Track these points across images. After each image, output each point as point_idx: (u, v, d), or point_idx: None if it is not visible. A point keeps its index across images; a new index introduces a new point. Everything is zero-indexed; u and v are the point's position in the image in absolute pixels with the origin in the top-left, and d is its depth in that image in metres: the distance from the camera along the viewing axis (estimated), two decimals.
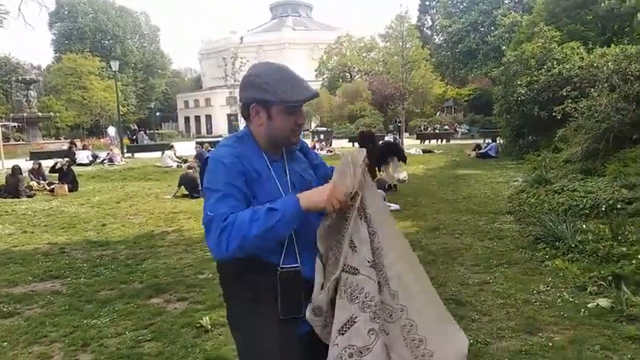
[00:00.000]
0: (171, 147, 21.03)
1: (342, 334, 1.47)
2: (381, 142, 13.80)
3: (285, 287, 1.54)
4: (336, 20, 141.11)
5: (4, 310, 4.20)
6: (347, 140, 27.32)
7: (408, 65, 24.09)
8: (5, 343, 3.55)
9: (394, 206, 8.34)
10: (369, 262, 1.52)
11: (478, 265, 5.01)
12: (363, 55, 48.24)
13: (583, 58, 14.47)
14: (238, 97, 1.75)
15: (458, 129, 34.78)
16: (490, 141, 19.51)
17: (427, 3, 56.81)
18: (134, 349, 3.39)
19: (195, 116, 65.70)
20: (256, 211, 1.41)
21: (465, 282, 4.50)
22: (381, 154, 10.90)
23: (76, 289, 4.70)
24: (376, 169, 10.69)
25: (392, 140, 16.01)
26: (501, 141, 18.78)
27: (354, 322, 1.48)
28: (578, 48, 16.06)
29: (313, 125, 41.20)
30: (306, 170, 1.74)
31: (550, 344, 3.17)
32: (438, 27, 51.48)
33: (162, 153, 20.28)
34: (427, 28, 56.71)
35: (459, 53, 46.80)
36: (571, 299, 3.91)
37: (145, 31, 64.32)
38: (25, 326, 3.86)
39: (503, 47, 33.14)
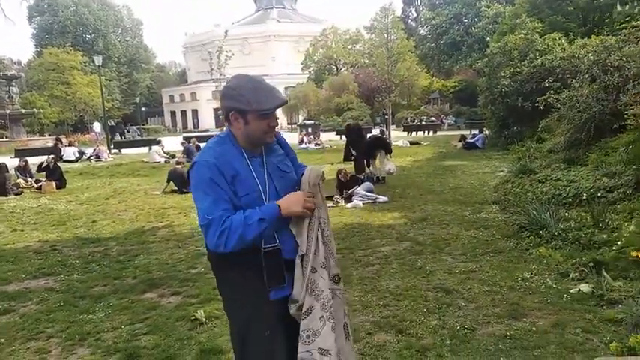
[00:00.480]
0: (158, 142, 20.93)
1: (304, 319, 1.83)
2: (369, 135, 13.91)
3: (268, 262, 1.81)
4: (321, 12, 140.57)
5: (0, 307, 4.24)
6: (335, 133, 27.43)
7: (393, 57, 24.15)
8: (3, 339, 3.60)
9: (383, 198, 8.47)
10: (322, 263, 1.89)
11: (465, 254, 5.15)
12: (349, 47, 48.24)
13: (564, 49, 14.69)
14: (220, 105, 1.98)
15: (444, 120, 35.09)
16: (477, 132, 19.70)
17: None
18: (130, 343, 3.46)
19: (182, 110, 65.22)
20: (248, 217, 1.72)
21: (451, 271, 4.63)
22: (369, 147, 11.01)
23: (69, 286, 4.75)
24: (364, 162, 10.81)
25: (379, 134, 16.13)
26: (486, 132, 19.02)
27: (311, 311, 1.84)
28: (559, 39, 16.30)
29: (301, 119, 41.21)
30: (282, 162, 1.97)
31: (534, 329, 3.31)
32: (422, 19, 51.64)
33: (150, 149, 20.19)
34: (412, 20, 56.87)
35: (444, 45, 47.05)
36: (554, 285, 4.06)
37: (128, 25, 63.49)
38: (22, 322, 3.90)
39: (488, 39, 33.40)
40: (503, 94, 15.03)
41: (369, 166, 10.80)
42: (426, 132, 28.54)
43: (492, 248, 5.26)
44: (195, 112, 63.29)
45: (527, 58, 15.16)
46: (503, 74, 15.16)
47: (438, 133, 28.46)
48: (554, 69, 13.40)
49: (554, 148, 10.09)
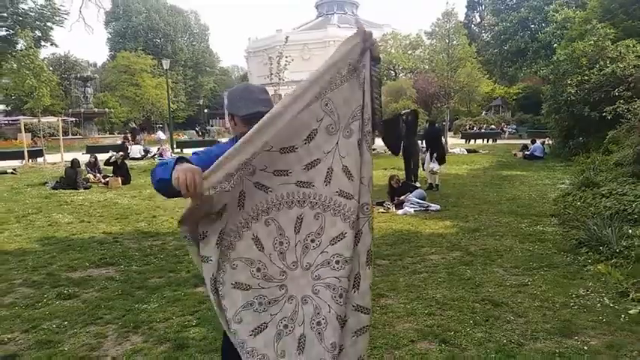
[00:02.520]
0: (217, 143, 21.65)
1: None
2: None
3: None
4: (381, 17, 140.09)
5: (65, 292, 4.56)
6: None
7: (454, 63, 23.66)
8: (66, 322, 3.88)
9: (435, 206, 8.34)
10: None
11: (517, 267, 4.99)
12: (408, 52, 47.72)
13: None
14: None
15: (505, 129, 33.91)
16: (532, 142, 18.84)
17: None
18: (180, 333, 3.63)
19: None
20: (166, 162, 1.73)
21: (502, 283, 4.50)
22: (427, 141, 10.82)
23: (128, 276, 5.03)
24: (420, 166, 10.71)
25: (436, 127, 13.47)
26: (549, 142, 18.22)
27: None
28: (634, 46, 15.37)
29: None
30: None
31: (585, 348, 3.17)
32: (486, 24, 50.26)
33: None
34: (475, 26, 55.46)
35: (508, 51, 45.49)
36: (611, 305, 3.86)
37: (195, 30, 66.05)
38: (83, 308, 4.18)
39: (555, 45, 32.00)
40: (569, 102, 14.37)
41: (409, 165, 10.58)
42: (485, 140, 27.73)
43: (547, 263, 5.06)
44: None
45: (597, 65, 14.42)
46: (569, 82, 14.50)
47: (498, 142, 27.58)
48: (626, 77, 12.67)
49: (621, 161, 9.52)
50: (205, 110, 62.24)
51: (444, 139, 20.22)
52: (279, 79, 18.15)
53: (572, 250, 5.42)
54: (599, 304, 3.88)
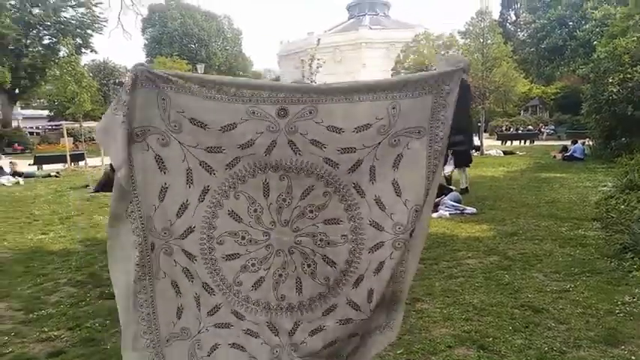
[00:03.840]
0: None
1: None
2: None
3: None
4: (414, 17, 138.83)
5: (106, 292, 4.68)
6: None
7: (488, 63, 23.23)
8: (107, 321, 4.01)
9: (470, 209, 8.20)
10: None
11: (558, 272, 4.85)
12: (441, 53, 47.14)
13: None
14: None
15: (543, 129, 33.04)
16: (572, 143, 18.23)
17: None
18: None
19: None
20: None
21: (542, 289, 4.39)
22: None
23: None
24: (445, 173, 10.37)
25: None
26: (590, 142, 17.63)
27: None
28: None
29: None
30: None
31: (633, 358, 3.05)
32: (521, 22, 49.08)
33: None
34: (510, 24, 54.23)
35: (545, 49, 44.23)
36: None
37: (228, 35, 67.09)
38: None
39: (594, 42, 30.95)
40: (611, 102, 13.88)
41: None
42: (523, 141, 27.08)
43: (589, 268, 4.89)
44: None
45: None
46: (611, 80, 14.01)
47: (536, 143, 26.89)
48: None
49: None
50: None
51: (477, 141, 19.90)
52: (312, 81, 18.22)
53: (616, 255, 5.23)
54: None
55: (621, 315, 3.72)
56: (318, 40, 27.21)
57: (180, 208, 1.92)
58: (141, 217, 1.93)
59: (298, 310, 2.01)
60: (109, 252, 2.05)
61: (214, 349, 2.04)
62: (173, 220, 1.93)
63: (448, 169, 10.13)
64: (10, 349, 3.54)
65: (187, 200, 1.91)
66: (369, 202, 1.89)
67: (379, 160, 1.83)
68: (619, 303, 3.94)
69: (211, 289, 2.01)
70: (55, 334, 3.81)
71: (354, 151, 1.83)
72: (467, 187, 10.09)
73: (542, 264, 5.15)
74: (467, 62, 1.83)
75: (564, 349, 3.22)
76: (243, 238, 1.96)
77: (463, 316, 3.83)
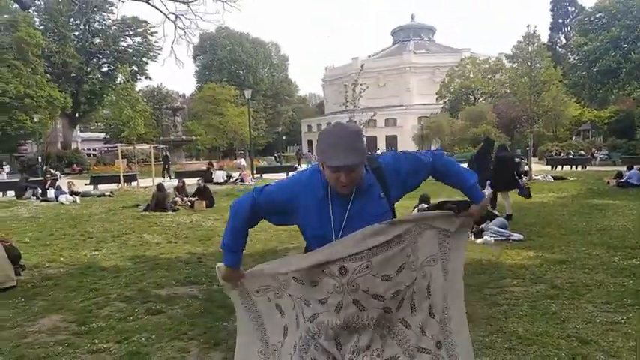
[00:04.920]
0: (295, 169, 22.26)
1: None
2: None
3: None
4: (459, 42, 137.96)
5: (153, 307, 4.89)
6: (467, 164, 26.45)
7: (537, 87, 22.73)
8: (154, 336, 4.15)
9: (517, 235, 7.97)
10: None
11: (609, 303, 4.64)
12: (488, 76, 46.57)
13: None
14: None
15: (596, 155, 31.78)
16: (627, 169, 17.41)
17: (560, 21, 53.30)
18: None
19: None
20: (229, 229, 2.22)
21: (591, 320, 4.21)
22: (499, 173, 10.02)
23: (210, 295, 5.28)
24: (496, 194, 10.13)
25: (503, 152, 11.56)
26: None
27: None
28: None
29: (433, 149, 40.61)
30: (372, 204, 2.00)
31: None
32: (572, 45, 47.78)
33: (287, 174, 21.55)
34: (560, 47, 53.01)
35: (597, 72, 42.76)
36: None
37: (275, 61, 68.98)
38: (169, 323, 4.45)
39: None
40: None
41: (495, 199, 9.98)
42: (574, 166, 26.12)
43: None
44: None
45: None
46: None
47: (588, 169, 25.85)
48: None
49: None
50: (284, 137, 64.23)
51: (525, 166, 19.35)
52: (355, 106, 18.40)
53: None
54: None
55: None
56: (362, 65, 27.52)
57: (294, 346, 2.16)
58: (268, 352, 2.29)
59: None
60: None
61: None
62: (292, 354, 2.17)
63: (485, 193, 9.90)
64: (63, 359, 3.73)
65: (296, 343, 2.15)
66: (415, 332, 2.04)
67: (416, 293, 2.07)
68: None
69: None
70: (105, 346, 3.98)
71: (399, 292, 2.02)
72: (511, 214, 9.81)
73: (591, 294, 4.94)
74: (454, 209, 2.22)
75: None
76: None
77: (506, 345, 3.73)
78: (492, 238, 7.88)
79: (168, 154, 27.65)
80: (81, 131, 55.99)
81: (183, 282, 5.88)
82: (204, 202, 13.23)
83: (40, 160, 31.50)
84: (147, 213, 12.30)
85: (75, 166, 35.85)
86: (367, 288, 1.95)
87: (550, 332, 3.96)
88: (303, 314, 2.09)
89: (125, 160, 30.02)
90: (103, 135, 51.85)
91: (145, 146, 32.00)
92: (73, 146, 45.28)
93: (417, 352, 2.02)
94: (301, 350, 2.08)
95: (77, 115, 44.79)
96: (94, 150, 51.53)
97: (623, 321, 4.14)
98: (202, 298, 5.23)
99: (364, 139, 2.02)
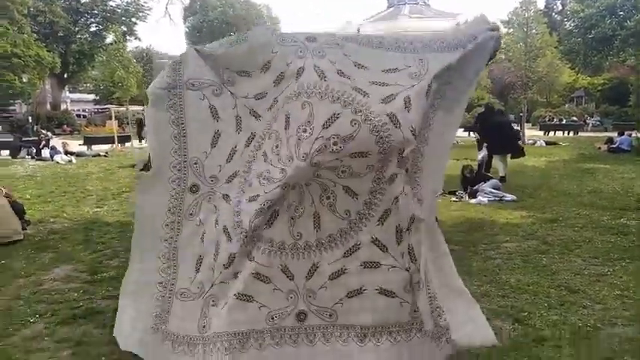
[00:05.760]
0: None
1: None
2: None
3: None
4: (455, 6, 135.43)
5: None
6: (462, 130, 26.57)
7: (532, 53, 22.65)
8: None
9: (510, 197, 8.20)
10: None
11: (597, 257, 4.90)
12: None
13: None
14: None
15: (588, 121, 32.02)
16: (618, 135, 17.64)
17: None
18: None
19: None
20: None
21: (579, 272, 4.46)
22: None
23: None
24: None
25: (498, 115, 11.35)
26: (637, 134, 17.05)
27: None
28: None
29: None
30: None
31: None
32: (568, 12, 47.25)
33: None
34: (556, 13, 52.41)
35: (593, 39, 42.49)
36: None
37: (267, 22, 67.50)
38: None
39: None
40: None
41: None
42: (566, 132, 26.38)
43: (629, 254, 4.92)
44: None
45: None
46: None
47: (580, 134, 26.14)
48: None
49: None
50: None
51: (519, 130, 19.52)
52: None
53: None
54: None
55: None
56: (358, 29, 27.12)
57: (230, 153, 2.01)
58: (184, 167, 2.04)
59: (316, 249, 1.86)
60: (139, 201, 2.15)
61: (225, 304, 1.94)
62: (223, 165, 2.01)
63: (480, 155, 10.11)
64: (81, 304, 3.92)
65: (236, 146, 2.01)
66: (404, 134, 1.79)
67: (415, 95, 1.83)
68: None
69: (229, 234, 1.94)
70: (118, 293, 4.16)
71: (386, 86, 1.85)
72: (504, 176, 10.01)
73: (580, 249, 5.20)
74: (496, 26, 1.95)
75: (598, 325, 3.32)
76: (264, 178, 1.91)
77: (500, 293, 3.97)
78: (486, 198, 8.11)
79: (143, 118, 27.19)
80: (70, 92, 54.99)
81: None
82: None
83: (30, 121, 31.07)
84: (144, 172, 12.32)
85: (65, 126, 35.39)
86: (334, 61, 1.87)
87: (541, 283, 4.20)
88: (255, 111, 1.94)
89: (116, 121, 29.74)
90: (92, 96, 50.99)
91: (138, 107, 31.65)
92: (63, 107, 44.48)
93: (396, 153, 1.84)
94: (257, 148, 1.96)
95: (66, 75, 43.88)
96: (84, 111, 50.74)
97: (609, 273, 4.40)
98: None
99: None
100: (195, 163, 2.01)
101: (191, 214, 2.06)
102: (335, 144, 1.74)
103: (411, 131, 1.79)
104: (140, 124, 25.26)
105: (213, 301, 1.95)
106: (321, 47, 1.83)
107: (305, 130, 1.76)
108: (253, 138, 1.96)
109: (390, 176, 1.82)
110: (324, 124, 1.74)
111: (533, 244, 5.47)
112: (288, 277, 1.85)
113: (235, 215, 1.93)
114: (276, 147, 1.85)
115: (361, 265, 1.80)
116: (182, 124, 1.99)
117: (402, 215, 1.84)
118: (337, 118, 1.74)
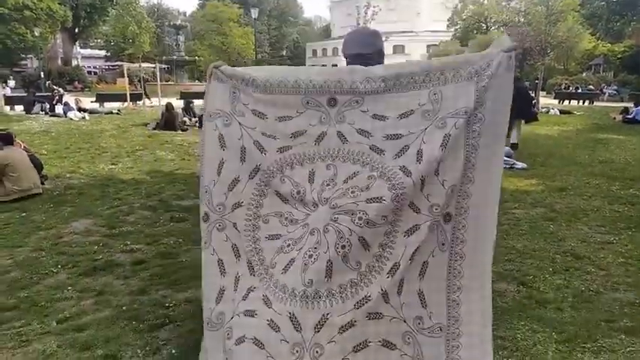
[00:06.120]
0: None
1: None
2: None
3: None
4: None
5: (177, 216, 5.22)
6: None
7: (553, 16, 22.07)
8: (181, 240, 4.50)
9: (520, 164, 8.21)
10: None
11: (604, 226, 4.96)
12: (503, 4, 44.70)
13: None
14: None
15: (605, 90, 31.38)
16: (634, 105, 17.34)
17: None
18: None
19: (322, 64, 66.85)
20: None
21: (585, 240, 4.54)
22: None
23: None
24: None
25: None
26: None
27: None
28: None
29: None
30: None
31: None
32: None
33: None
34: None
35: (617, 3, 41.21)
36: None
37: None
38: (192, 228, 4.77)
39: None
40: None
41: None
42: (582, 101, 25.93)
43: (636, 224, 4.97)
44: (335, 67, 64.35)
45: None
46: None
47: (596, 104, 25.69)
48: None
49: None
50: (288, 61, 62.88)
51: (534, 98, 19.21)
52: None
53: None
54: None
55: None
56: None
57: (231, 183, 2.05)
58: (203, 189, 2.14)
59: (327, 299, 1.82)
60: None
61: (241, 342, 1.93)
62: (227, 194, 2.06)
63: None
64: (101, 256, 4.08)
65: (239, 176, 2.04)
66: (415, 182, 1.84)
67: (426, 143, 1.85)
68: None
69: (252, 268, 2.00)
70: (137, 247, 4.33)
71: (400, 137, 1.88)
72: (517, 143, 9.98)
73: (588, 218, 5.26)
74: (513, 46, 1.87)
75: (601, 290, 3.42)
76: (286, 218, 1.96)
77: (506, 258, 4.07)
78: None
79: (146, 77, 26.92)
80: (81, 48, 54.67)
81: None
82: None
83: (42, 76, 31.11)
84: (156, 131, 12.47)
85: (77, 83, 35.44)
86: (353, 121, 1.91)
87: (547, 249, 4.29)
88: (261, 145, 1.98)
89: (127, 78, 29.70)
90: (103, 52, 50.67)
91: (150, 65, 31.52)
92: (74, 63, 44.38)
93: (408, 208, 1.86)
94: (265, 183, 2.00)
95: (77, 30, 43.55)
96: (95, 67, 50.57)
97: (615, 241, 4.47)
98: None
99: (382, 40, 2.24)
100: (206, 192, 2.10)
101: (205, 243, 2.16)
102: (353, 192, 1.87)
103: (421, 180, 1.86)
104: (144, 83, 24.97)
105: (229, 334, 1.99)
106: (341, 111, 1.91)
107: (328, 185, 1.91)
108: (258, 171, 2.01)
109: (410, 228, 1.88)
110: (345, 180, 1.90)
111: (542, 211, 5.54)
112: (295, 328, 1.82)
113: (255, 252, 2.00)
114: (298, 193, 1.93)
115: (367, 317, 1.82)
116: (202, 155, 2.14)
117: (413, 264, 1.90)
118: (356, 175, 1.89)
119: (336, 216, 1.85)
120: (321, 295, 1.81)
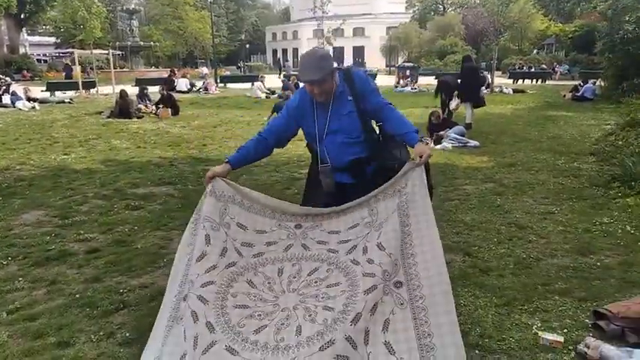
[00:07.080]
0: (261, 79, 21.90)
1: None
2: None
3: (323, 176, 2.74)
4: None
5: (132, 204, 5.17)
6: (434, 77, 26.64)
7: None
8: (136, 227, 4.48)
9: (473, 142, 8.48)
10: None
11: (547, 197, 5.23)
12: None
13: None
14: None
15: (556, 69, 32.44)
16: (583, 82, 18.03)
17: None
18: None
19: (283, 49, 66.25)
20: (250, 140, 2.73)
21: (530, 211, 4.78)
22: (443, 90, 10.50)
23: (186, 193, 5.58)
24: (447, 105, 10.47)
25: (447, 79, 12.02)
26: (601, 83, 17.49)
27: None
28: None
29: (400, 60, 40.28)
30: (342, 106, 2.57)
31: (598, 264, 3.48)
32: None
33: (252, 84, 21.23)
34: None
35: None
36: (632, 232, 4.11)
37: None
38: (149, 217, 4.77)
39: None
40: (625, 40, 13.67)
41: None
42: (535, 80, 26.75)
43: (577, 195, 5.27)
44: (296, 50, 63.91)
45: None
46: (627, 18, 13.72)
47: (548, 82, 26.56)
48: None
49: None
50: (247, 46, 61.92)
51: (489, 78, 19.69)
52: (323, 12, 17.93)
53: (604, 184, 5.58)
54: (620, 231, 4.13)
55: (597, 232, 4.12)
56: None
57: (208, 268, 2.37)
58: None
59: (295, 348, 2.04)
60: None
61: None
62: (200, 275, 2.33)
63: (453, 104, 10.30)
64: (54, 247, 4.03)
65: (217, 265, 2.40)
66: (363, 265, 2.33)
67: (369, 242, 2.41)
68: (597, 223, 4.33)
69: (212, 327, 2.16)
70: (90, 236, 4.29)
71: (349, 241, 2.48)
72: (471, 123, 10.25)
73: (533, 191, 5.53)
74: (420, 162, 2.46)
75: (540, 257, 3.64)
76: (255, 296, 2.34)
77: (454, 231, 4.26)
78: (451, 144, 8.37)
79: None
80: (28, 34, 52.13)
81: (158, 183, 6.12)
82: (169, 110, 13.11)
83: None
84: (111, 120, 12.16)
85: (25, 72, 33.87)
86: (314, 237, 2.57)
87: (493, 220, 4.51)
88: (240, 251, 2.49)
89: (79, 66, 28.63)
90: (53, 39, 48.49)
91: (102, 52, 30.44)
92: (21, 50, 42.34)
93: (363, 277, 2.25)
94: (238, 274, 2.40)
95: (23, 16, 41.48)
96: (45, 55, 48.40)
97: (556, 212, 4.74)
98: (178, 196, 5.53)
99: (330, 60, 2.58)
100: (184, 275, 2.42)
101: (170, 316, 2.36)
102: (316, 282, 2.37)
103: (368, 262, 2.33)
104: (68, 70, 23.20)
105: None
106: (304, 231, 2.60)
107: (295, 277, 2.42)
108: (234, 264, 2.45)
109: (368, 288, 2.22)
110: (308, 273, 2.43)
111: (491, 186, 5.77)
112: None
113: (221, 315, 2.23)
114: (268, 283, 2.42)
115: (335, 358, 1.99)
116: (191, 244, 2.52)
117: (375, 318, 2.15)
118: (317, 270, 2.43)
119: (304, 299, 2.31)
120: (291, 346, 2.07)
